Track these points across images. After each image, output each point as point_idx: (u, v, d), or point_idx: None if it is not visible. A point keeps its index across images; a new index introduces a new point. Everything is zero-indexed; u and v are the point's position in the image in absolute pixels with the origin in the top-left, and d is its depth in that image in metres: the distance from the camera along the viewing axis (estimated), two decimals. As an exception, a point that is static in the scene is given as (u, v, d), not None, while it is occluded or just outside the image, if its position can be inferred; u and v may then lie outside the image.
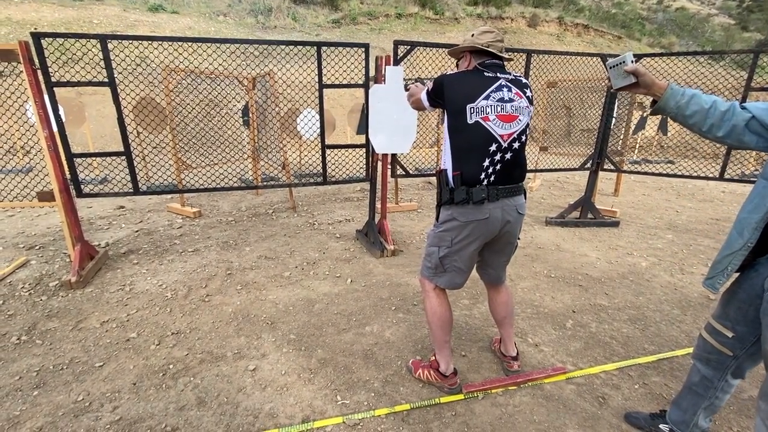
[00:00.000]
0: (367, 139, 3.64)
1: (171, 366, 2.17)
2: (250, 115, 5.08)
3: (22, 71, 2.76)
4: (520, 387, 2.05)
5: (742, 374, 1.51)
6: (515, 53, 3.97)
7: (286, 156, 4.85)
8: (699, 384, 1.59)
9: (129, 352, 2.28)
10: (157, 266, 3.36)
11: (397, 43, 3.45)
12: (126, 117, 3.18)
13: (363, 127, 3.68)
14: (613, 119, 4.48)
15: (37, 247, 3.69)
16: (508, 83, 1.70)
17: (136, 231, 4.16)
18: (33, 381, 2.04)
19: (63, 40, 2.84)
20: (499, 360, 2.22)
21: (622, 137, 4.92)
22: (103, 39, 2.87)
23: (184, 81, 4.67)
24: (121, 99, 3.06)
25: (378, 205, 3.90)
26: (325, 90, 3.54)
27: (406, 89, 2.16)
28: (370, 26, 14.96)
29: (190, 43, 3.17)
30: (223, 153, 4.95)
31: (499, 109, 1.66)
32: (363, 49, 3.47)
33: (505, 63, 1.82)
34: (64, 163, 3.05)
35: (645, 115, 6.24)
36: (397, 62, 3.42)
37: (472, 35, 1.79)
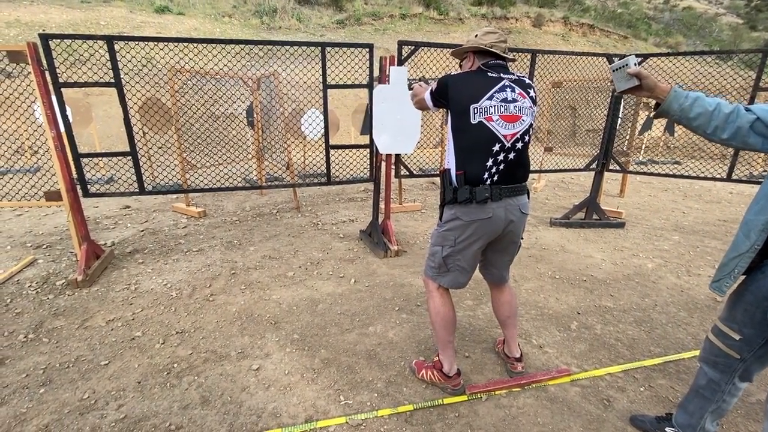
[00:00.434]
0: (371, 140, 3.64)
1: (175, 365, 2.18)
2: (255, 115, 5.10)
3: (30, 72, 2.79)
4: (524, 389, 2.04)
5: (749, 377, 1.49)
6: (520, 53, 3.95)
7: (291, 156, 4.86)
8: (706, 387, 1.57)
9: (134, 351, 2.29)
10: (162, 266, 3.38)
11: (401, 44, 3.45)
12: (132, 117, 3.20)
13: (367, 127, 3.69)
14: (619, 119, 4.45)
15: (44, 246, 3.73)
16: (511, 83, 1.71)
17: (142, 230, 4.19)
18: (40, 379, 2.06)
19: (71, 41, 2.87)
20: (503, 361, 2.21)
21: (627, 137, 4.88)
22: (109, 40, 2.89)
23: (189, 81, 4.70)
24: (127, 99, 3.09)
25: (382, 205, 3.90)
26: (329, 90, 3.55)
27: (410, 89, 2.16)
28: (374, 27, 14.97)
29: (195, 44, 3.19)
30: (227, 153, 4.97)
31: (502, 109, 1.67)
32: (367, 50, 3.47)
33: (509, 63, 1.82)
34: (71, 163, 3.08)
35: (651, 115, 6.19)
36: (401, 63, 3.42)
37: (476, 36, 1.79)
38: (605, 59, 4.12)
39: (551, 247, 3.91)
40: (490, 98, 1.66)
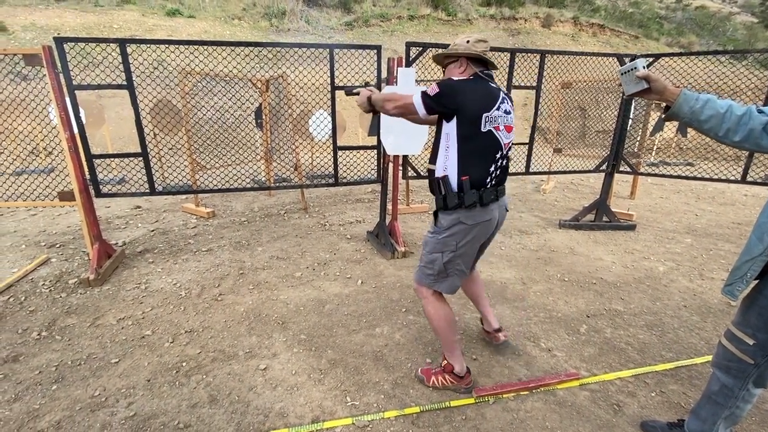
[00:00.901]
0: (379, 141, 3.65)
1: (184, 364, 2.20)
2: (263, 117, 5.14)
3: (45, 75, 2.85)
4: (532, 392, 2.02)
5: (763, 383, 1.46)
6: (528, 54, 3.93)
7: (299, 157, 4.89)
8: (719, 393, 1.54)
9: (144, 349, 2.32)
10: (172, 265, 3.42)
11: (409, 45, 3.45)
12: (143, 119, 3.25)
13: (375, 128, 3.69)
14: (630, 120, 4.39)
15: (57, 246, 3.80)
16: (505, 96, 1.81)
17: (152, 230, 4.25)
18: (52, 376, 2.10)
19: (84, 44, 2.92)
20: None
21: (639, 139, 4.81)
22: (122, 43, 2.94)
23: (199, 83, 4.76)
24: (138, 101, 3.14)
25: (389, 206, 3.89)
26: (337, 92, 3.56)
27: (353, 94, 2.04)
28: (382, 28, 15.00)
29: (205, 47, 3.24)
30: (236, 154, 5.01)
31: (506, 120, 1.78)
32: (375, 51, 3.48)
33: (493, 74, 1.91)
34: (84, 163, 3.14)
35: (662, 117, 6.10)
36: (409, 64, 3.42)
37: (468, 41, 1.79)
38: (615, 59, 4.07)
39: (560, 250, 3.87)
40: (498, 108, 1.74)
